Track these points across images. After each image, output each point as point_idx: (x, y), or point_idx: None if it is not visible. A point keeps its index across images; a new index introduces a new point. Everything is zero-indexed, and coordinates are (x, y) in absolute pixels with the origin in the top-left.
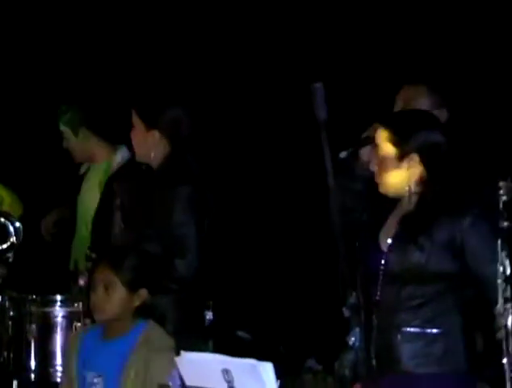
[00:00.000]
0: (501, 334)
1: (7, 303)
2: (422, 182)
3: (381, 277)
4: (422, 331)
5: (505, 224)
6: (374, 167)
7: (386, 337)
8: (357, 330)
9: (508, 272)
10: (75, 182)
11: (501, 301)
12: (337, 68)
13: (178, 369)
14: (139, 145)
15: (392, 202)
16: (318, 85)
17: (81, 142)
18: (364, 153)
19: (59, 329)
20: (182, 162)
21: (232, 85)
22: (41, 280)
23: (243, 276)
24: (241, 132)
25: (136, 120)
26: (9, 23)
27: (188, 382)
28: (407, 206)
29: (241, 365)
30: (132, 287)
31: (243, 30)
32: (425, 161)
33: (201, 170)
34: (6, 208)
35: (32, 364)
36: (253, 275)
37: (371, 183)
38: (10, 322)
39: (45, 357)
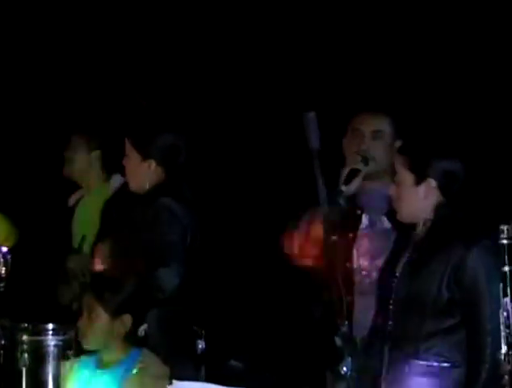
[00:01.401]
0: (505, 381)
1: None
2: (437, 208)
3: (392, 306)
4: (431, 363)
5: (507, 268)
6: (392, 193)
7: (395, 368)
8: (349, 359)
9: None
10: (65, 212)
11: (504, 347)
12: (329, 97)
13: None
14: (134, 175)
15: (410, 231)
16: (311, 114)
17: (86, 168)
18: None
19: (51, 358)
20: (176, 190)
21: (226, 114)
22: (33, 309)
23: (236, 304)
24: (235, 161)
25: (130, 149)
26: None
27: None
28: (420, 233)
29: None
30: (114, 313)
31: (237, 57)
32: (442, 186)
33: (195, 198)
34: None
35: None
36: (246, 304)
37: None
38: (1, 351)
39: (37, 386)
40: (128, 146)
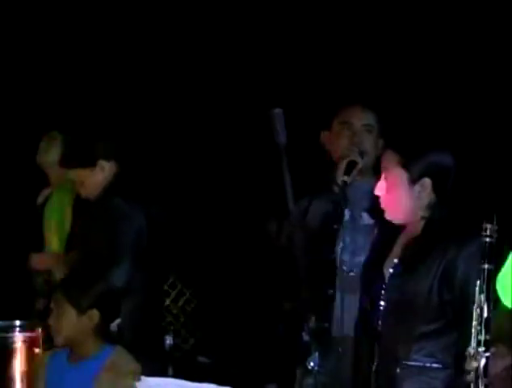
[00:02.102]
0: (470, 377)
1: None
2: (430, 207)
3: (382, 307)
4: (422, 365)
5: (486, 266)
6: (380, 192)
7: (386, 369)
8: (316, 354)
9: (485, 315)
10: (34, 211)
11: (473, 343)
12: (295, 93)
13: None
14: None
15: (398, 229)
16: (278, 110)
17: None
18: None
19: (18, 354)
20: (127, 177)
21: (192, 111)
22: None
23: (203, 301)
24: (200, 157)
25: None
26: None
27: None
28: (412, 232)
29: None
30: (80, 309)
31: (204, 52)
32: (436, 185)
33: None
34: None
35: None
36: (213, 300)
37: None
38: None
39: (4, 383)
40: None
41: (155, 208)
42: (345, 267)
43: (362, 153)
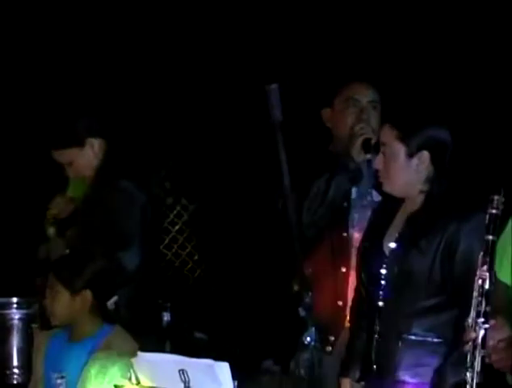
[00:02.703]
0: (468, 347)
1: None
2: (429, 181)
3: (383, 282)
4: (423, 339)
5: (490, 237)
6: (379, 166)
7: (387, 343)
8: (312, 329)
9: (486, 286)
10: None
11: (473, 314)
12: (291, 69)
13: (135, 369)
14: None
15: (397, 203)
16: (273, 86)
17: None
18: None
19: (15, 331)
20: (121, 155)
21: (189, 87)
22: None
23: (200, 277)
24: (197, 133)
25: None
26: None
27: (145, 382)
28: (412, 206)
29: (197, 365)
30: (73, 289)
31: (200, 31)
32: (434, 158)
33: (144, 163)
34: None
35: None
36: (209, 276)
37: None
38: None
39: (1, 360)
40: None
41: (154, 183)
42: (355, 244)
43: (374, 131)
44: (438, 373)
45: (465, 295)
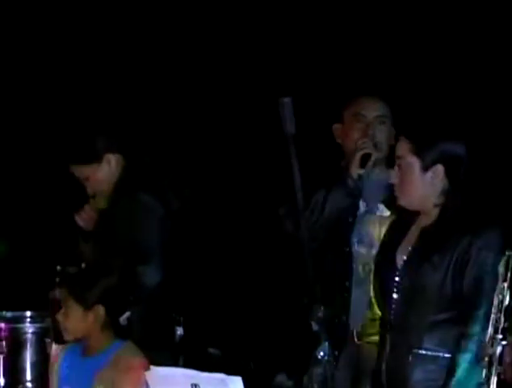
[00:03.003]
0: (484, 363)
1: None
2: (444, 194)
3: (395, 295)
4: (435, 354)
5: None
6: (394, 180)
7: (398, 357)
8: (326, 344)
9: (506, 302)
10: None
11: (490, 330)
12: (305, 82)
13: (147, 384)
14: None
15: (411, 217)
16: (287, 99)
17: None
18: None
19: (28, 345)
20: (139, 170)
21: (201, 99)
22: (11, 297)
23: (213, 292)
24: (210, 146)
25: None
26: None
27: None
28: (426, 220)
29: (210, 380)
30: (85, 305)
31: (212, 42)
32: (449, 172)
33: (162, 173)
34: None
35: (1, 380)
36: (223, 291)
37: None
38: None
39: (15, 373)
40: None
41: (171, 197)
42: (361, 260)
43: (375, 145)
44: None
45: (471, 311)
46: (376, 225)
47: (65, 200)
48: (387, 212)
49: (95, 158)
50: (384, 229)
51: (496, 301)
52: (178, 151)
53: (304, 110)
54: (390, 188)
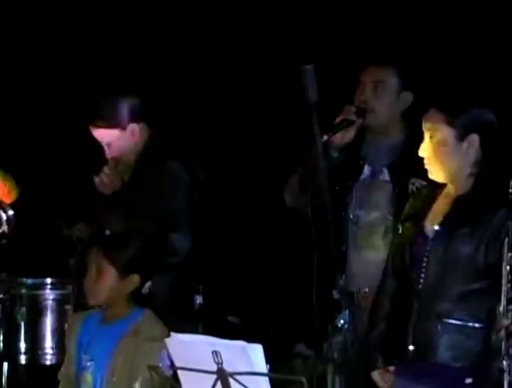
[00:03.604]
0: (501, 335)
1: None
2: (478, 164)
3: (425, 264)
4: (464, 323)
5: None
6: (424, 153)
7: (426, 326)
8: (346, 312)
9: None
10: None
11: (503, 301)
12: (327, 49)
13: (167, 351)
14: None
15: (436, 188)
16: (309, 66)
17: None
18: (337, 136)
19: (49, 312)
20: (165, 138)
21: (223, 69)
22: (32, 263)
23: (233, 260)
24: (231, 113)
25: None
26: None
27: (178, 364)
28: (459, 190)
29: (230, 347)
30: (123, 272)
31: (233, 14)
32: (484, 140)
33: (188, 143)
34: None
35: (22, 346)
36: (242, 259)
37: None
38: (0, 305)
39: (35, 340)
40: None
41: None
42: (359, 223)
43: (361, 112)
44: (480, 358)
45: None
46: (377, 189)
47: (84, 163)
48: (388, 178)
49: (118, 125)
50: (384, 194)
51: (504, 272)
52: (202, 119)
53: (326, 77)
54: (394, 154)
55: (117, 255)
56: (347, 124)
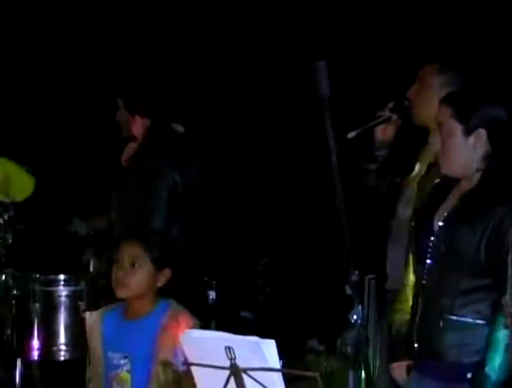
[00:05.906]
0: (508, 322)
1: (11, 282)
2: (486, 159)
3: (429, 260)
4: (466, 320)
5: None
6: (435, 146)
7: (429, 322)
8: (359, 307)
9: None
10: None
11: (510, 290)
12: (340, 45)
13: (181, 346)
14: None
15: (451, 184)
16: (321, 62)
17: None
18: (378, 131)
19: (62, 308)
20: (163, 132)
21: (236, 64)
22: (46, 260)
23: (246, 256)
24: (244, 109)
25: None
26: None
27: (191, 359)
28: (467, 185)
29: (243, 343)
30: (158, 265)
31: (246, 9)
32: (491, 135)
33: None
34: (15, 185)
35: (36, 343)
36: (256, 256)
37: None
38: (13, 301)
39: (48, 336)
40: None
41: (193, 163)
42: (401, 219)
43: (397, 109)
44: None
45: (505, 278)
46: (413, 184)
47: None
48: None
49: (131, 110)
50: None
51: (510, 262)
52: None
53: (338, 73)
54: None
55: (154, 246)
56: (382, 120)
